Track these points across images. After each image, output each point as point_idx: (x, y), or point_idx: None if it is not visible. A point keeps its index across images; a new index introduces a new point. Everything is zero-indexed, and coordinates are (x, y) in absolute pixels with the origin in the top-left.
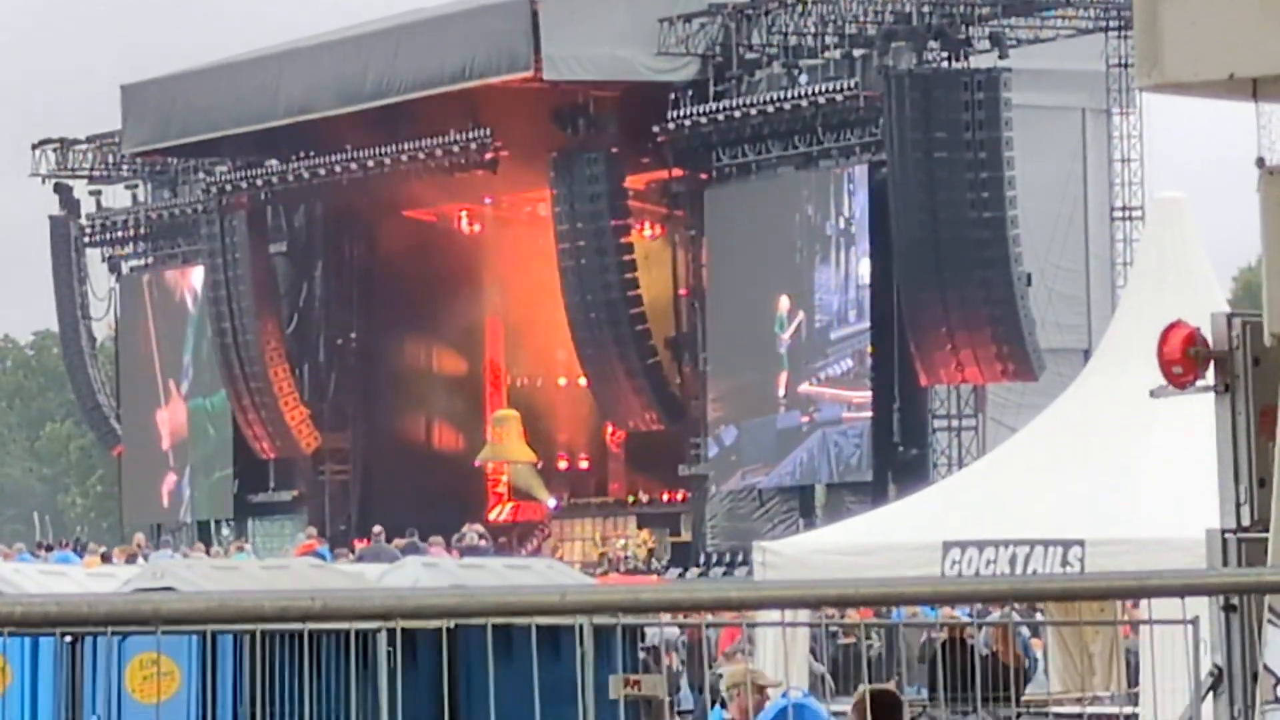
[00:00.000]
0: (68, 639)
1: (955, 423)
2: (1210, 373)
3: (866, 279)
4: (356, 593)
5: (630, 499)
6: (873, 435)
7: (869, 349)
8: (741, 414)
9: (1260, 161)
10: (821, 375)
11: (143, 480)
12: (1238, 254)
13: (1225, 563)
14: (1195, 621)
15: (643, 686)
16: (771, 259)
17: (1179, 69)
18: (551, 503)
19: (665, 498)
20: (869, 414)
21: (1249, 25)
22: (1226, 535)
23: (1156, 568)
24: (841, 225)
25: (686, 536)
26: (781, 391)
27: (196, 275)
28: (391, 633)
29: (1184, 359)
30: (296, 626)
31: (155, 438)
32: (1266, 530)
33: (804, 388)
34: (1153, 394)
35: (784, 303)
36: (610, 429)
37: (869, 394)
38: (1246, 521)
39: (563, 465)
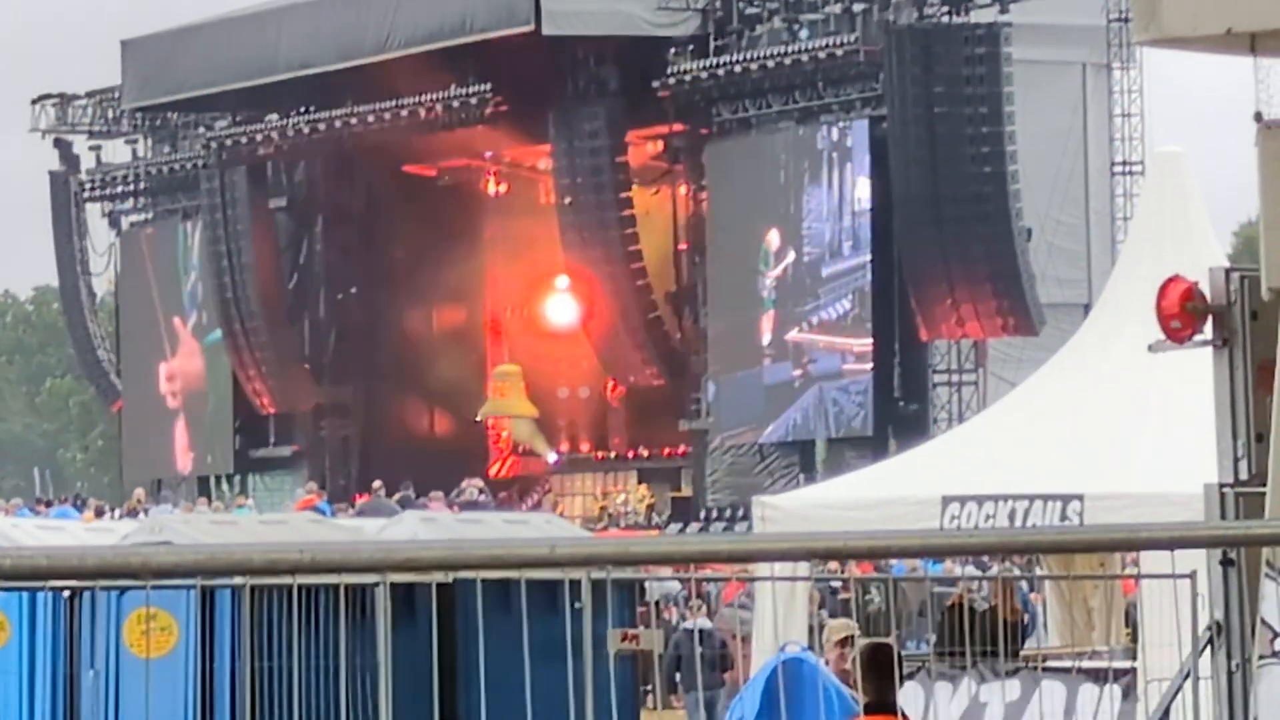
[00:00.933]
0: (65, 594)
1: (956, 377)
2: (1208, 327)
3: (865, 203)
4: (346, 545)
5: (630, 453)
6: (873, 390)
7: (869, 287)
8: (722, 367)
9: (1258, 116)
10: (814, 319)
11: (143, 435)
12: (1239, 209)
13: (1223, 517)
14: (1192, 576)
15: (640, 641)
16: (765, 203)
17: (1177, 24)
18: (552, 458)
19: (666, 453)
20: (870, 366)
21: None
22: (1224, 489)
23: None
24: (835, 138)
25: (687, 491)
26: (766, 338)
27: (196, 229)
28: (391, 586)
29: (1182, 314)
30: (287, 580)
31: (156, 393)
32: (1264, 485)
33: (794, 334)
34: (1151, 349)
35: (772, 237)
36: (611, 384)
37: (870, 342)
38: (1244, 476)
39: (563, 420)
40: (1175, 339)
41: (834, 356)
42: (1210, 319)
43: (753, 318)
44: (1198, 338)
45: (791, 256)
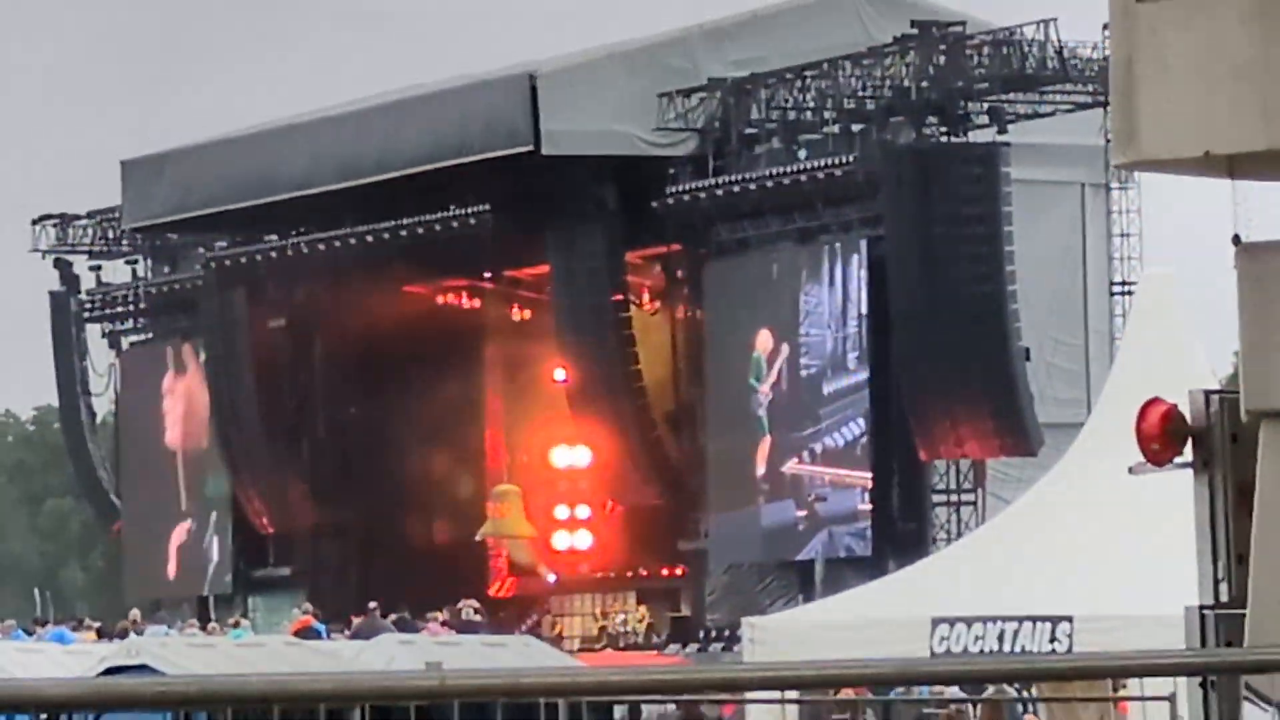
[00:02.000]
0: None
1: (955, 498)
2: (1189, 449)
3: (864, 319)
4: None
5: (629, 573)
6: (872, 510)
7: (868, 408)
8: (718, 500)
9: (1236, 239)
10: (816, 448)
11: (142, 556)
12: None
13: (1203, 640)
14: (1172, 698)
15: None
16: (762, 318)
17: (1155, 146)
18: (551, 578)
19: (665, 572)
20: (868, 484)
21: (1224, 103)
22: (1205, 612)
23: (1142, 645)
24: (834, 257)
25: (686, 611)
26: (760, 469)
27: (196, 350)
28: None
29: (1162, 436)
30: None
31: (155, 512)
32: (1245, 607)
33: (792, 465)
34: (1131, 470)
35: (764, 340)
36: (610, 503)
37: (869, 475)
38: (1225, 598)
39: (562, 540)
40: (1155, 461)
41: (848, 495)
42: (1190, 441)
43: (749, 443)
44: (1178, 460)
45: (785, 354)
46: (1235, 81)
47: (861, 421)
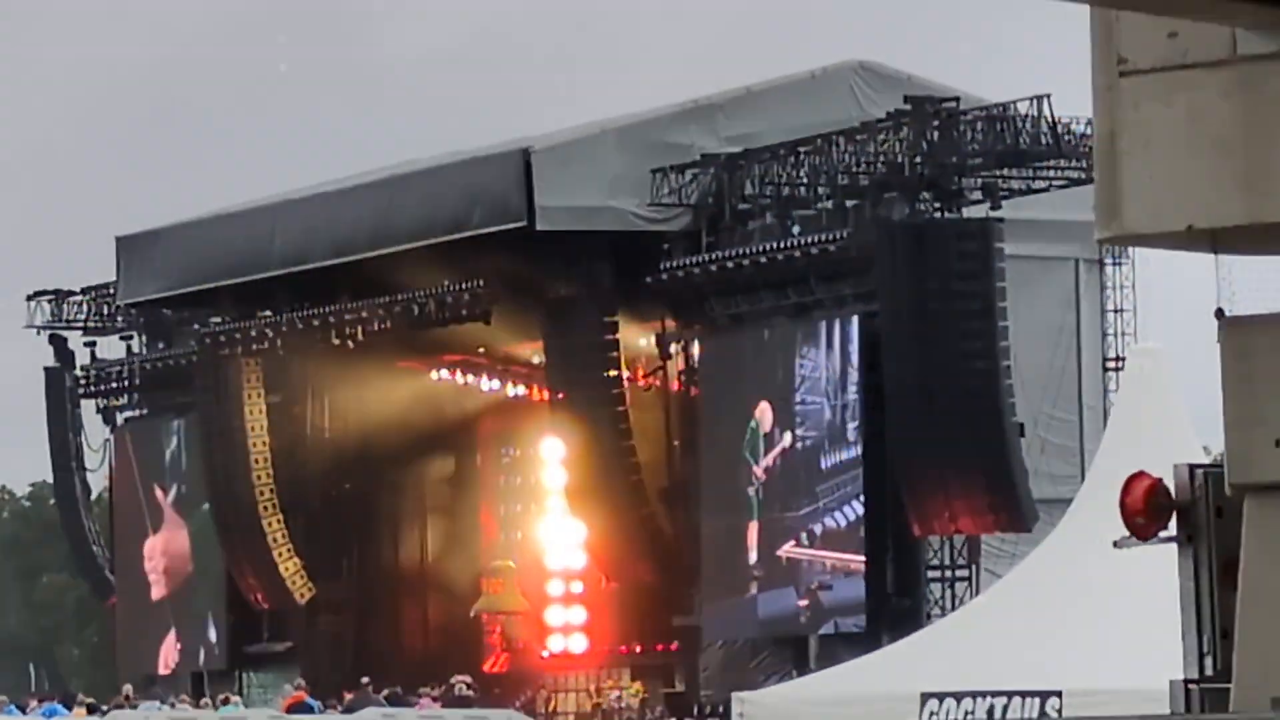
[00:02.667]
0: None
1: (949, 573)
2: (1174, 523)
3: (859, 378)
4: None
5: (624, 649)
6: (867, 586)
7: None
8: (710, 588)
9: (1219, 312)
10: (816, 529)
11: (137, 631)
12: None
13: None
14: None
15: None
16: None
17: (1138, 221)
18: (546, 653)
19: (659, 648)
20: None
21: (1207, 178)
22: (1190, 685)
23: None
24: (828, 332)
25: (680, 687)
26: (753, 553)
27: (189, 425)
28: None
29: (1146, 510)
30: None
31: (148, 587)
32: (1229, 681)
33: (788, 549)
34: (1116, 545)
35: (762, 411)
36: (604, 579)
37: (863, 559)
38: (1210, 671)
39: (557, 616)
40: (1140, 535)
41: (853, 582)
42: (1176, 515)
43: (741, 525)
44: (1163, 534)
45: (783, 428)
46: (1217, 155)
47: (861, 503)
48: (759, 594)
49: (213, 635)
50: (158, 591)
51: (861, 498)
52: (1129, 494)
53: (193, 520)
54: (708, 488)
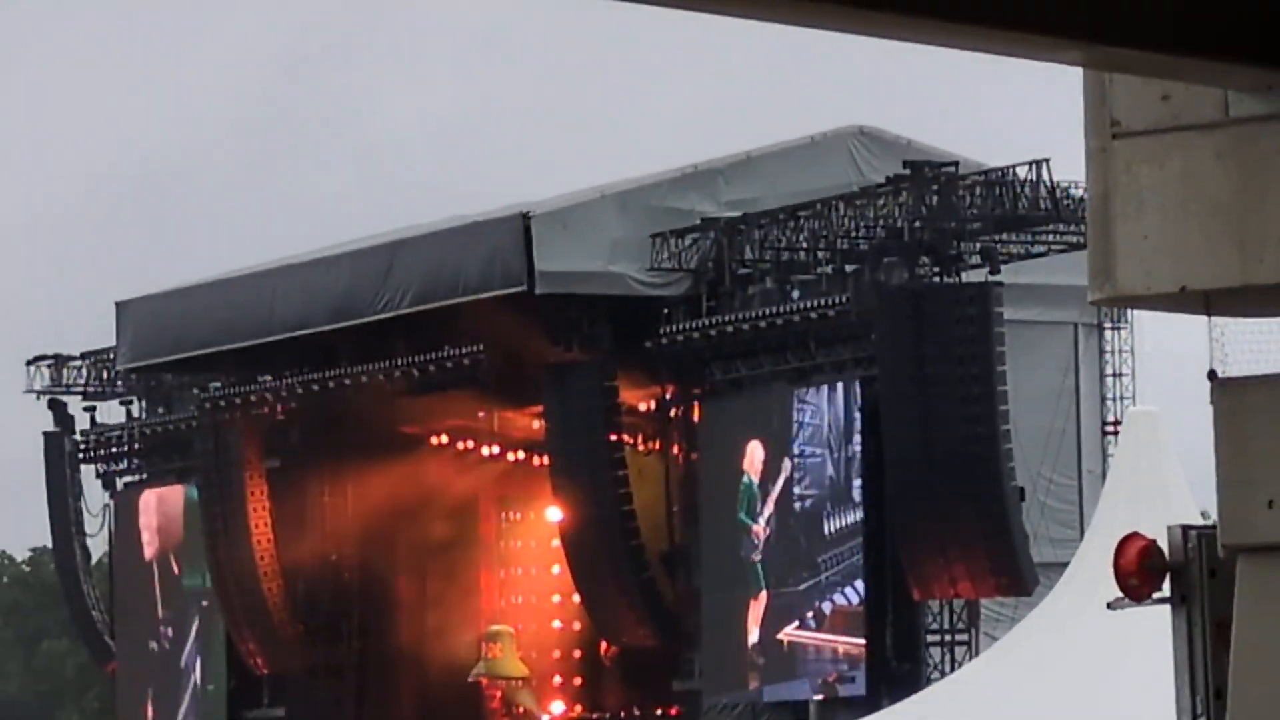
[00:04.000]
0: None
1: (949, 637)
2: (1167, 585)
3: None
4: None
5: (624, 713)
6: (866, 650)
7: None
8: (707, 682)
9: (1212, 374)
10: (825, 606)
11: (137, 697)
12: None
13: None
14: None
15: None
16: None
17: (1131, 282)
18: (546, 718)
19: (659, 712)
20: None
21: (1200, 240)
22: None
23: None
24: (827, 397)
25: None
26: (754, 633)
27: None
28: None
29: (1140, 571)
30: None
31: (149, 653)
32: None
33: (791, 631)
34: (1110, 606)
35: (753, 455)
36: (604, 643)
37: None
38: None
39: (557, 680)
40: (1134, 597)
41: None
42: (1169, 577)
43: (744, 599)
44: (1157, 595)
45: (781, 478)
46: (1211, 217)
47: (865, 578)
48: (766, 687)
49: (213, 700)
50: (158, 656)
51: (865, 568)
52: (1122, 556)
53: (193, 584)
54: (707, 554)
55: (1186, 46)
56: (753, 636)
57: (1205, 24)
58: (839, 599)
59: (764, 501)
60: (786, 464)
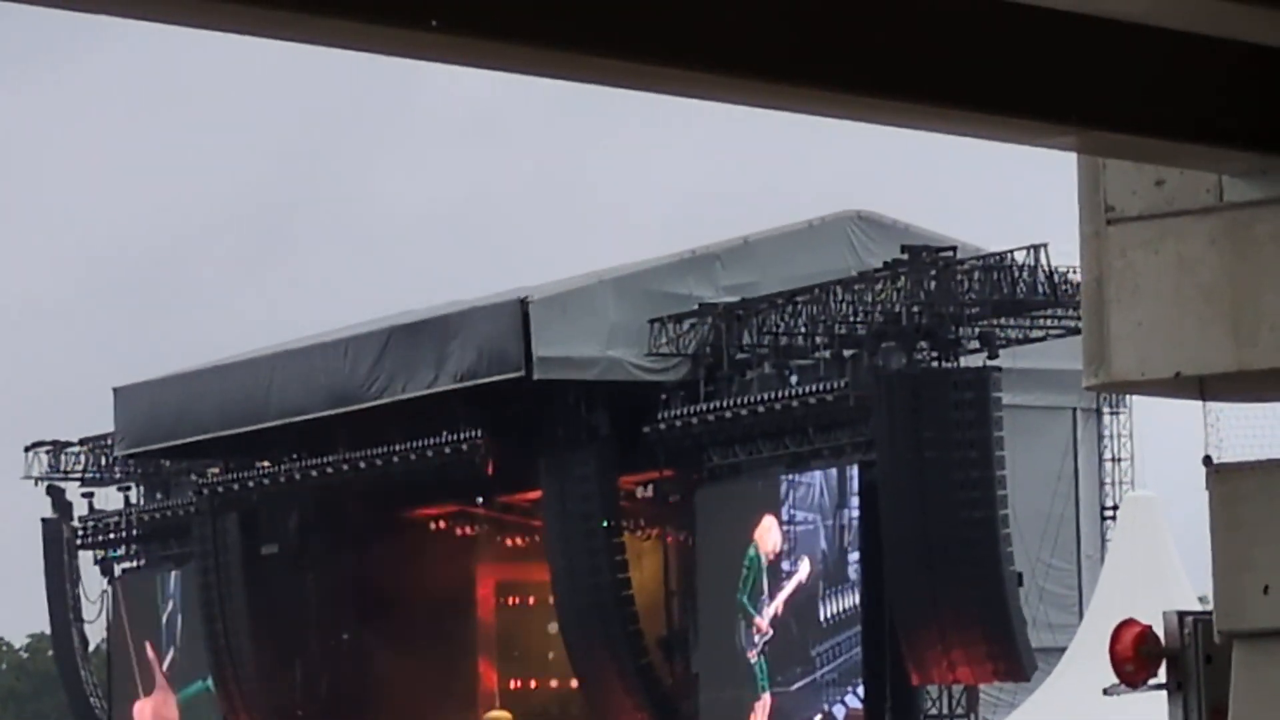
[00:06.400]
0: None
1: None
2: (1164, 670)
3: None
4: None
5: None
6: None
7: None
8: None
9: (1207, 460)
10: (835, 709)
11: None
12: None
13: None
14: None
15: None
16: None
17: (1126, 368)
18: None
19: None
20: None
21: (1194, 325)
22: None
23: None
24: (825, 482)
25: None
26: None
27: (186, 577)
28: None
29: (1135, 657)
30: None
31: None
32: None
33: None
34: (1106, 692)
35: (765, 532)
36: None
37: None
38: None
39: None
40: (1130, 683)
41: None
42: (1165, 662)
43: (747, 701)
44: (1153, 681)
45: (790, 567)
46: (1205, 302)
47: (865, 667)
48: None
49: None
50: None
51: (864, 654)
52: (1118, 642)
53: (182, 692)
54: (705, 639)
55: (1180, 132)
56: None
57: (1198, 109)
58: (850, 700)
59: (774, 589)
60: (783, 540)
